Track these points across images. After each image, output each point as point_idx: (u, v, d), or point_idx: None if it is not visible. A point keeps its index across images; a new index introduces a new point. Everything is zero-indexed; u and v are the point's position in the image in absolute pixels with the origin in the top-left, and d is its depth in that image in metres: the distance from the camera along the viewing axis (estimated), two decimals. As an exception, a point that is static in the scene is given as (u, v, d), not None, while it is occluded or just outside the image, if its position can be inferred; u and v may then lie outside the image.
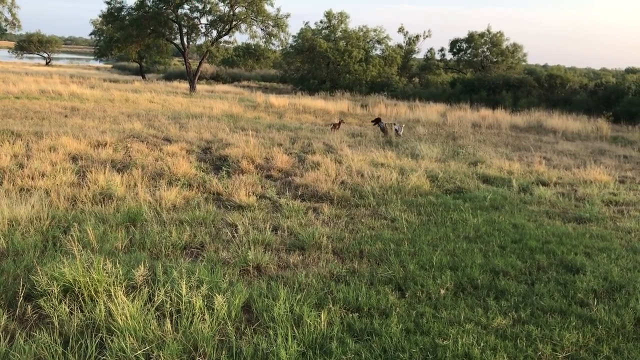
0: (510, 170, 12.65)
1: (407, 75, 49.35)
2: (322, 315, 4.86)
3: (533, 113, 27.13)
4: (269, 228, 7.53)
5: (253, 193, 9.38)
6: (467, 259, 6.64)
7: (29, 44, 79.18)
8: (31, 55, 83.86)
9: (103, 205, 8.10)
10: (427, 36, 49.83)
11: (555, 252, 7.06)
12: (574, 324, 5.08)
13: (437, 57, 51.34)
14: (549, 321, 5.15)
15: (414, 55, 51.11)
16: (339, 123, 19.37)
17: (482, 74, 43.15)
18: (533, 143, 18.60)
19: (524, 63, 51.90)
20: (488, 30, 48.33)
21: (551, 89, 36.52)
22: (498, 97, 34.71)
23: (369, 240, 7.23)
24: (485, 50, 48.78)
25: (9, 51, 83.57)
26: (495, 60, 48.18)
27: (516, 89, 36.31)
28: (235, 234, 7.16)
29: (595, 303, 5.57)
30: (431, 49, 51.44)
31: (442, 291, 5.69)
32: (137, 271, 5.34)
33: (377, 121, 19.05)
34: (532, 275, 6.36)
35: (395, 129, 18.41)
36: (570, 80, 37.12)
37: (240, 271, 6.01)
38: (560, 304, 5.51)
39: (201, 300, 4.92)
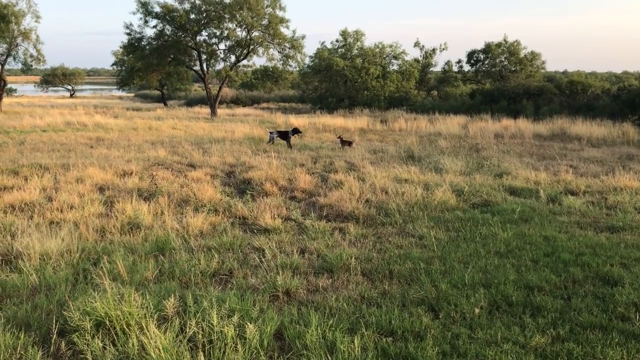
0: (537, 181, 12.45)
1: (426, 88, 49.23)
2: (355, 341, 4.78)
3: (556, 121, 26.79)
4: (296, 251, 7.49)
5: (278, 215, 9.37)
6: (499, 275, 6.51)
7: (54, 78, 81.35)
8: (56, 88, 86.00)
9: (131, 235, 8.16)
10: (443, 49, 49.76)
11: (590, 264, 6.88)
12: (616, 340, 4.91)
13: (455, 69, 51.15)
14: (589, 338, 4.99)
15: (431, 69, 51.00)
16: (340, 138, 19.71)
17: (502, 84, 42.83)
18: (558, 151, 18.32)
19: (543, 71, 51.44)
20: (505, 40, 48.11)
21: (573, 96, 36.05)
22: (519, 107, 34.36)
23: (398, 260, 7.14)
24: (503, 59, 48.49)
25: (34, 85, 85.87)
26: (513, 69, 47.84)
27: (537, 97, 35.92)
28: (263, 259, 7.13)
29: (637, 317, 5.38)
30: (448, 61, 51.20)
31: (477, 310, 5.56)
32: (168, 302, 5.33)
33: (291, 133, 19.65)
34: (567, 289, 6.20)
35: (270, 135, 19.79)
36: (591, 86, 36.62)
37: (270, 297, 5.96)
38: (600, 319, 5.35)
39: (233, 330, 4.88)
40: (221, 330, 4.89)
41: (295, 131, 19.72)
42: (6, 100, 47.97)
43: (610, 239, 8.07)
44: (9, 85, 53.52)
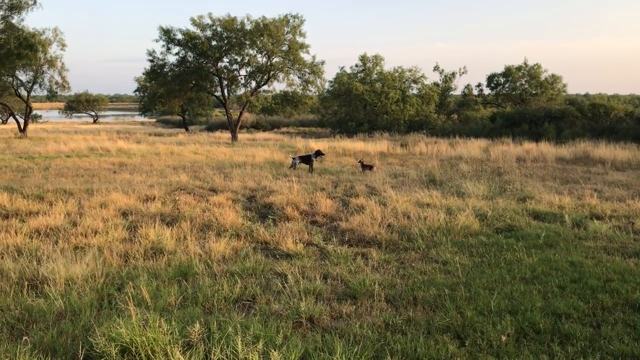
0: (561, 205, 12.28)
1: (445, 112, 49.29)
2: (380, 369, 4.72)
3: (578, 144, 26.52)
4: (319, 276, 7.44)
5: (300, 240, 9.35)
6: (526, 301, 6.39)
7: (78, 104, 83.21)
8: (79, 114, 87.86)
9: (154, 260, 8.20)
10: (463, 72, 49.99)
11: (619, 291, 6.73)
12: (649, 370, 4.78)
13: (475, 92, 51.19)
14: (621, 368, 4.86)
15: (451, 92, 51.14)
16: (360, 162, 19.73)
17: (523, 107, 42.69)
18: (581, 175, 18.10)
19: (564, 93, 51.17)
20: (525, 63, 48.09)
21: (595, 119, 35.76)
22: (540, 130, 34.16)
23: (422, 286, 7.06)
24: (524, 83, 48.41)
25: (59, 112, 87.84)
26: (534, 92, 47.71)
27: (559, 120, 35.71)
28: (286, 284, 7.11)
29: (670, 346, 5.23)
30: (468, 85, 51.32)
31: (504, 338, 5.46)
32: (193, 328, 5.33)
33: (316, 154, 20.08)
34: (596, 316, 6.06)
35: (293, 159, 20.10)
36: (614, 109, 36.31)
37: (293, 324, 5.92)
38: (632, 348, 5.21)
39: (257, 357, 4.85)
40: (245, 357, 4.86)
41: (318, 153, 19.88)
42: (31, 126, 49.09)
43: (638, 264, 7.90)
44: (34, 112, 54.81)
